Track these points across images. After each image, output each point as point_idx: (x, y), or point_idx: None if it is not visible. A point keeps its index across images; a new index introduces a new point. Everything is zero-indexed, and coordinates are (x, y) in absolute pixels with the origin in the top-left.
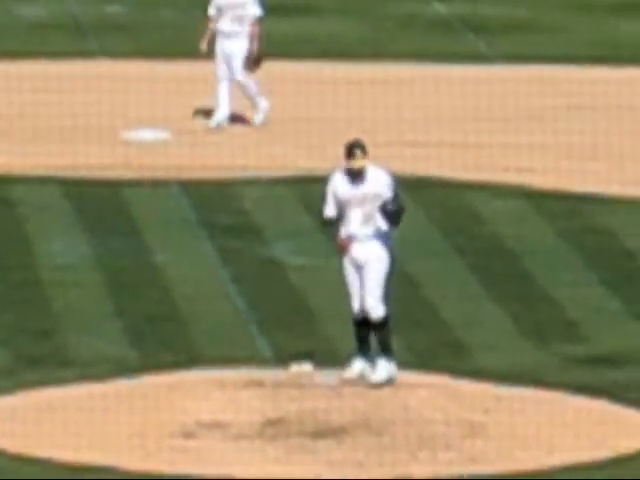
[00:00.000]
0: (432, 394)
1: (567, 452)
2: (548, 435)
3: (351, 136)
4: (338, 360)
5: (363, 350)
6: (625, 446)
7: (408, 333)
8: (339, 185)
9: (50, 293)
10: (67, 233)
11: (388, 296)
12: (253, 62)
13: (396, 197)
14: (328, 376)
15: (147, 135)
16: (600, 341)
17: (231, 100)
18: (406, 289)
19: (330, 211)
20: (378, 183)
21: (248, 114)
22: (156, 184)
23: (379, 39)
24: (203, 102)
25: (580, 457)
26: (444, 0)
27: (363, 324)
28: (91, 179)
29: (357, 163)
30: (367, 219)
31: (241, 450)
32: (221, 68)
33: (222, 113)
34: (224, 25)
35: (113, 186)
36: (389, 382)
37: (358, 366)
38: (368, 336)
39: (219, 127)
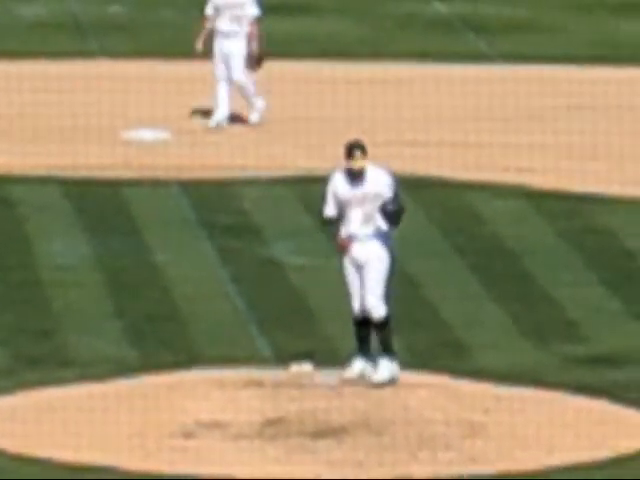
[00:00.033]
0: (432, 394)
1: (567, 452)
2: (548, 435)
3: (351, 136)
4: (338, 360)
5: (363, 350)
6: (625, 446)
7: (408, 333)
8: (339, 185)
9: (50, 293)
10: (67, 233)
11: (389, 296)
12: (255, 61)
13: (396, 197)
14: (328, 376)
15: (147, 135)
16: (600, 341)
17: (230, 100)
18: (406, 289)
19: (330, 211)
20: (378, 183)
21: (247, 114)
22: (156, 184)
23: (379, 39)
24: (203, 102)
25: (580, 457)
26: (445, 0)
27: (363, 324)
28: (91, 179)
29: (357, 164)
30: (367, 219)
31: (241, 450)
32: (219, 68)
33: (221, 113)
34: (222, 25)
35: (113, 186)
36: (391, 382)
37: (358, 366)
38: (368, 336)
39: (219, 127)
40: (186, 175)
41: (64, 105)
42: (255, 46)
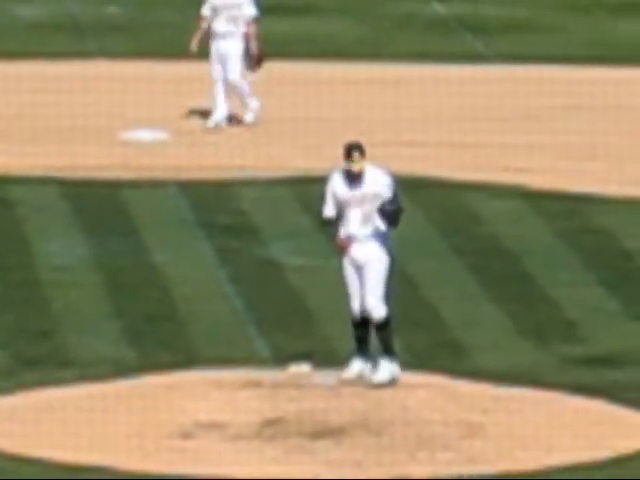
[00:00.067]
0: (431, 394)
1: (566, 452)
2: (547, 435)
3: (349, 136)
4: (337, 360)
5: (362, 350)
6: (624, 446)
7: (407, 333)
8: (338, 186)
9: (49, 293)
10: (66, 233)
11: (389, 296)
12: (254, 61)
13: (395, 198)
14: (326, 376)
15: (145, 135)
16: (598, 341)
17: (228, 101)
18: (405, 289)
19: (329, 211)
20: (377, 183)
21: (242, 114)
22: (154, 184)
23: (377, 39)
24: (201, 103)
25: (579, 457)
26: (442, 0)
27: (362, 324)
28: (89, 179)
29: (355, 166)
30: (366, 219)
31: (239, 450)
32: (216, 69)
33: (220, 113)
34: (219, 25)
35: (111, 186)
36: (392, 383)
37: (357, 366)
38: (367, 336)
39: (217, 127)
40: (184, 175)
41: (62, 106)
42: (254, 46)
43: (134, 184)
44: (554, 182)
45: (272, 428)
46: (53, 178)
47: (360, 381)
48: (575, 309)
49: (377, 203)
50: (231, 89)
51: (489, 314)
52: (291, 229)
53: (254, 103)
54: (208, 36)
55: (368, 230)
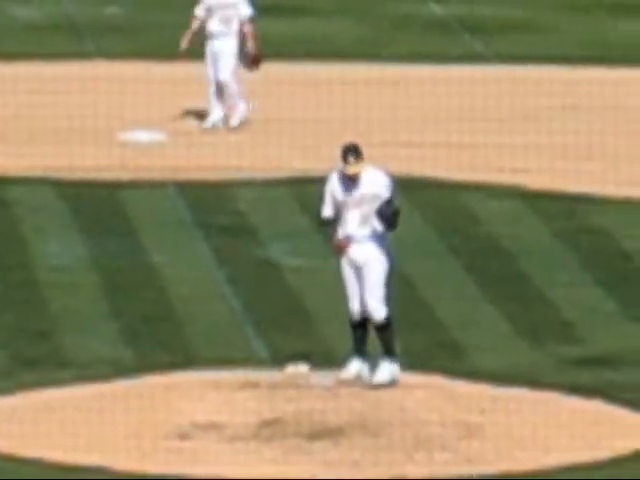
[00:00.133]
0: (428, 395)
1: (564, 452)
2: (544, 436)
3: (347, 136)
4: (334, 361)
5: (360, 351)
6: (622, 446)
7: (404, 334)
8: (336, 187)
9: (47, 294)
10: (63, 234)
11: (389, 298)
12: (252, 61)
13: (393, 200)
14: (324, 377)
15: (143, 136)
16: (596, 342)
17: (224, 101)
18: (402, 290)
19: (328, 211)
20: (376, 184)
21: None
22: (152, 185)
23: (375, 39)
24: (198, 103)
25: (577, 457)
26: (440, 1)
27: (360, 325)
28: (87, 180)
29: (351, 169)
30: (364, 220)
31: (237, 451)
32: (211, 70)
33: (217, 114)
34: (212, 26)
35: (109, 187)
36: (391, 384)
37: (355, 367)
38: (365, 337)
39: (214, 128)
40: (182, 176)
41: (60, 106)
42: (252, 46)
43: (132, 185)
44: (551, 182)
45: (270, 429)
46: (51, 179)
47: (358, 382)
48: (572, 309)
49: (376, 204)
50: (222, 88)
51: (487, 314)
52: (289, 230)
53: (242, 106)
54: (203, 37)
55: (366, 231)
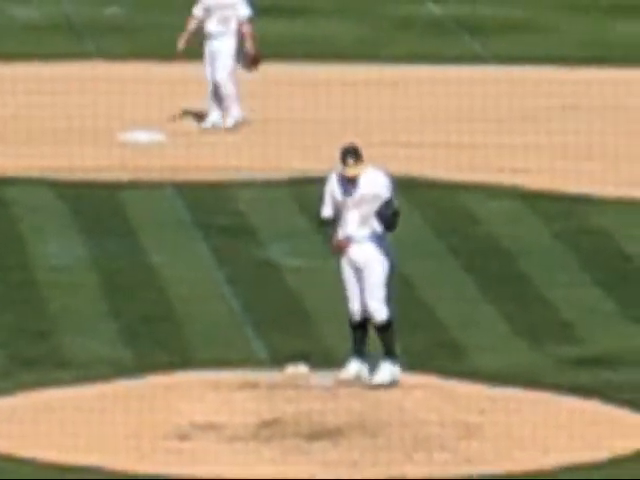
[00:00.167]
0: (427, 395)
1: (563, 452)
2: (544, 436)
3: (346, 137)
4: (334, 361)
5: (359, 351)
6: (621, 446)
7: (404, 334)
8: (335, 187)
9: (46, 294)
10: (63, 234)
11: (390, 298)
12: (251, 62)
13: (393, 200)
14: (323, 377)
15: (142, 137)
16: (594, 342)
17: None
18: (401, 290)
19: (327, 211)
20: (376, 184)
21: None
22: (151, 186)
23: (374, 40)
24: (197, 104)
25: (576, 458)
26: (439, 1)
27: (360, 326)
28: (86, 181)
29: (349, 171)
30: (364, 221)
31: (236, 451)
32: (210, 70)
33: (216, 115)
34: (210, 26)
35: (108, 188)
36: (391, 384)
37: (354, 367)
38: (365, 337)
39: (213, 128)
40: (181, 177)
41: (59, 107)
42: (250, 46)
43: (131, 185)
44: (551, 182)
45: (269, 429)
46: (50, 179)
47: (357, 382)
48: (572, 310)
49: (376, 204)
50: (218, 89)
51: (486, 314)
52: (288, 230)
53: (236, 110)
54: (202, 37)
55: (366, 231)
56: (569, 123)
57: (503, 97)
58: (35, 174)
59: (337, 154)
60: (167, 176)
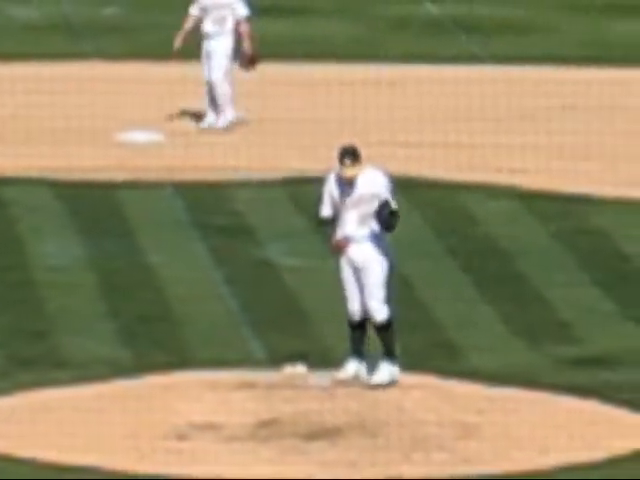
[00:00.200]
0: (426, 395)
1: (561, 452)
2: (542, 436)
3: (344, 137)
4: (332, 361)
5: (357, 351)
6: (619, 446)
7: (401, 334)
8: (334, 188)
9: (44, 294)
10: (60, 234)
11: (390, 298)
12: (248, 62)
13: (391, 201)
14: (321, 377)
15: (140, 137)
16: (593, 342)
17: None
18: (400, 290)
19: (326, 211)
20: (375, 184)
21: (240, 115)
22: (149, 186)
23: (372, 40)
24: (195, 104)
25: (574, 457)
26: (436, 1)
27: (359, 326)
28: (84, 181)
29: (347, 172)
30: (363, 220)
31: (234, 451)
32: (207, 70)
33: (213, 115)
34: (207, 26)
35: (106, 188)
36: (390, 385)
37: (352, 367)
38: (363, 337)
39: (211, 128)
40: (179, 177)
41: (57, 107)
42: (248, 46)
43: (129, 185)
44: (549, 182)
45: (267, 429)
46: (48, 179)
47: (355, 382)
48: (570, 310)
49: (375, 204)
50: (213, 89)
51: (484, 315)
52: (286, 230)
53: (230, 111)
54: (199, 37)
55: (365, 231)
56: (567, 123)
57: (501, 97)
58: (33, 174)
59: (335, 154)
60: (165, 176)
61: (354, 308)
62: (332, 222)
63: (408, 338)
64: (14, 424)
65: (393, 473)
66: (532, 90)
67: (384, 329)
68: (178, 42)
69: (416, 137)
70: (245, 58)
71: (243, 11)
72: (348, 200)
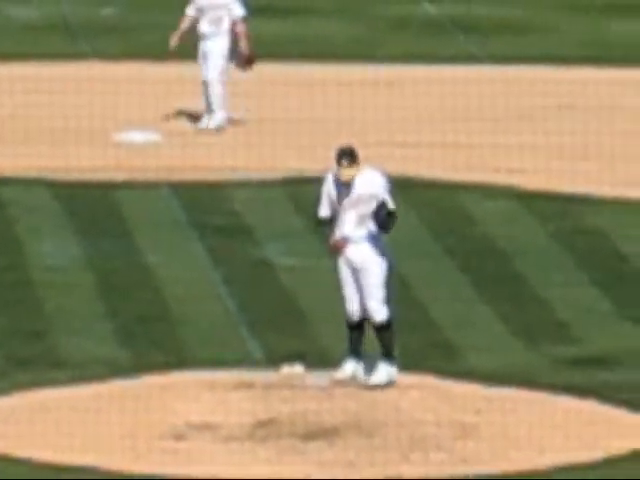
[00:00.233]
0: (423, 395)
1: (559, 452)
2: (540, 436)
3: (342, 137)
4: (329, 361)
5: (355, 351)
6: (617, 446)
7: (399, 334)
8: (331, 188)
9: (42, 294)
10: (58, 234)
11: (389, 299)
12: (245, 62)
13: (388, 202)
14: (319, 377)
15: (138, 137)
16: (591, 342)
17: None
18: (398, 290)
19: (325, 211)
20: (373, 184)
21: (238, 115)
22: (147, 186)
23: (370, 40)
24: (193, 104)
25: (572, 457)
26: (434, 1)
27: (357, 326)
28: (82, 181)
29: (344, 173)
30: (361, 221)
31: (231, 451)
32: (205, 70)
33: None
34: (203, 27)
35: (104, 188)
36: (388, 385)
37: (350, 367)
38: (361, 338)
39: (209, 128)
40: (177, 177)
41: (55, 107)
42: (245, 46)
43: (126, 185)
44: (547, 182)
45: (264, 429)
46: (46, 179)
47: (353, 382)
48: (568, 310)
49: (373, 204)
50: (207, 89)
51: (482, 315)
52: (284, 230)
53: (221, 113)
54: (196, 37)
55: (363, 231)
56: (565, 123)
57: (499, 97)
58: (31, 174)
59: (333, 154)
60: (162, 176)
61: (352, 308)
62: (330, 222)
63: (406, 338)
64: (12, 424)
65: (391, 473)
66: (530, 90)
67: (383, 329)
68: (174, 41)
69: (414, 137)
70: (242, 58)
71: (239, 11)
72: (346, 201)
